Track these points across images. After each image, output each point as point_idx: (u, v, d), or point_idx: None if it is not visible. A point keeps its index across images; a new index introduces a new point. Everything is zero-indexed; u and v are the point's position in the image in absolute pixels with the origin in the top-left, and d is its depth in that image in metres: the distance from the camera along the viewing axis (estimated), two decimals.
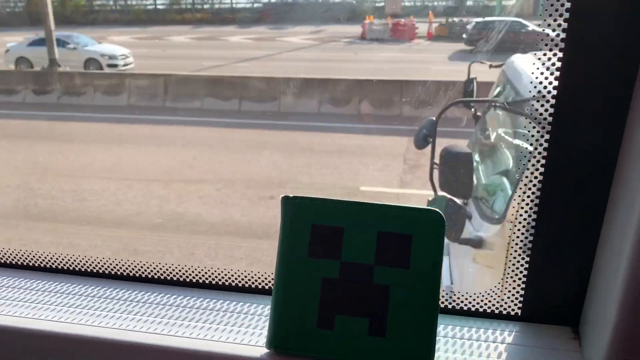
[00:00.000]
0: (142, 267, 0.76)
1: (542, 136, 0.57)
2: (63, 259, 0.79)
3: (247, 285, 0.73)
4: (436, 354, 0.59)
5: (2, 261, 0.81)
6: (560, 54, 0.53)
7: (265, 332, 0.64)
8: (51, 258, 0.79)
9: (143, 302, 0.72)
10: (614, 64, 0.52)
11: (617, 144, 0.55)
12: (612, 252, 0.54)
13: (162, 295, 0.73)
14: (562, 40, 0.53)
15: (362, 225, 0.59)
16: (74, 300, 0.72)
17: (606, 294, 0.55)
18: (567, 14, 0.52)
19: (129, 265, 0.77)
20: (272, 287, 0.68)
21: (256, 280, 0.73)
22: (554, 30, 0.53)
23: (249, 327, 0.66)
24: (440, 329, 0.64)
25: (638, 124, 0.51)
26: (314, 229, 0.60)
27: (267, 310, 0.69)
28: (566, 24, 0.52)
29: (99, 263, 0.78)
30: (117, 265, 0.77)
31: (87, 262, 0.78)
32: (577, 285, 0.62)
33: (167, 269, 0.76)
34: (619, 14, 0.51)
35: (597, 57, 0.53)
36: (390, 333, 0.58)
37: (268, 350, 0.61)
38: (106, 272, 0.78)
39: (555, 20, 0.53)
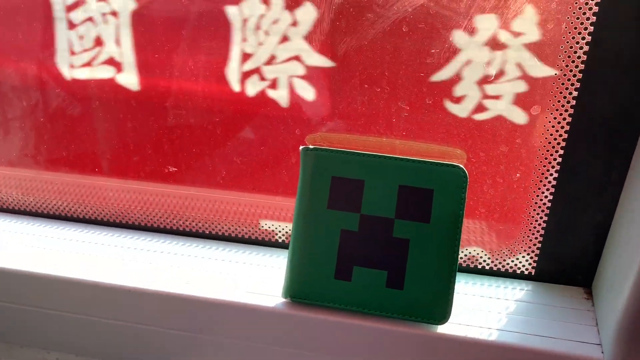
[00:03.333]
0: (158, 216, 0.76)
1: (569, 87, 0.56)
2: (87, 207, 0.78)
3: (263, 238, 0.73)
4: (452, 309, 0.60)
5: None
6: (595, 9, 0.53)
7: (281, 283, 0.64)
8: (74, 206, 0.78)
9: (159, 252, 0.71)
10: None
11: None
12: (632, 213, 0.55)
13: (177, 244, 0.73)
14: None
15: (383, 178, 0.59)
16: (90, 248, 0.72)
17: (622, 255, 0.55)
18: None
19: (147, 215, 0.76)
20: (288, 241, 0.68)
21: (275, 234, 0.73)
22: None
23: (265, 278, 0.66)
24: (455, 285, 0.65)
25: None
26: (334, 181, 0.60)
27: (284, 263, 0.69)
28: None
29: (115, 212, 0.77)
30: (135, 214, 0.77)
31: (102, 210, 0.78)
32: (593, 246, 0.63)
33: (185, 219, 0.75)
34: None
35: (631, 12, 0.52)
36: (408, 286, 0.58)
37: (285, 300, 0.61)
38: (124, 222, 0.77)
39: None
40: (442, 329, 0.58)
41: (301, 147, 0.61)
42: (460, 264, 0.68)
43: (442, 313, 0.57)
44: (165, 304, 0.63)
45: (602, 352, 0.56)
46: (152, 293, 0.63)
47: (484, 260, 0.67)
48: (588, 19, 0.53)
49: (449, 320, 0.58)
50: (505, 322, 0.60)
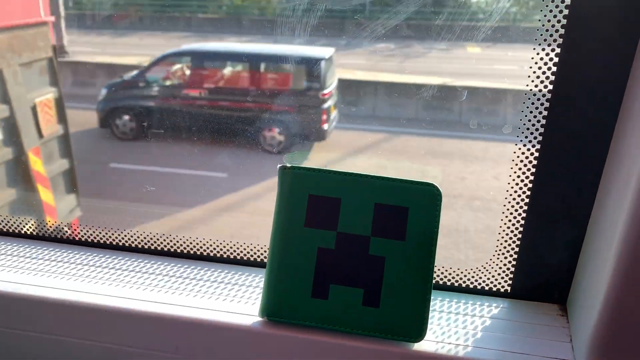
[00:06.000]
0: (137, 237, 0.76)
1: (539, 111, 0.58)
2: (62, 228, 0.77)
3: (242, 257, 0.73)
4: (428, 326, 0.60)
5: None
6: (560, 40, 0.54)
7: (258, 302, 0.64)
8: (56, 228, 0.78)
9: (137, 272, 0.71)
10: (612, 42, 0.53)
11: (614, 119, 0.56)
12: (603, 229, 0.56)
13: (155, 264, 0.73)
14: (563, 26, 0.54)
15: (359, 196, 0.60)
16: (70, 268, 0.71)
17: (595, 271, 0.56)
18: None
19: (126, 236, 0.76)
20: (266, 259, 0.68)
21: (252, 253, 0.73)
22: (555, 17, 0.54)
23: (242, 298, 0.66)
24: (431, 302, 0.65)
25: (634, 98, 0.52)
26: (311, 199, 0.60)
27: (261, 282, 0.69)
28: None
29: (94, 233, 0.77)
30: (112, 235, 0.76)
31: (87, 232, 0.77)
32: (567, 263, 0.63)
33: (163, 240, 0.75)
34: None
35: (596, 37, 0.54)
36: (384, 304, 0.58)
37: (261, 319, 0.61)
38: (101, 241, 0.77)
39: None
40: (417, 346, 0.58)
41: (279, 166, 0.62)
42: (437, 281, 0.68)
43: (417, 331, 0.58)
44: (140, 323, 0.62)
45: None
46: (127, 313, 0.62)
47: (460, 278, 0.67)
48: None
49: (425, 338, 0.58)
50: (480, 339, 0.60)
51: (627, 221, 0.49)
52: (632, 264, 0.50)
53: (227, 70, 2.25)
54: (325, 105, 2.21)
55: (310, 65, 2.18)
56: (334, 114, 2.28)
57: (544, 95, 0.57)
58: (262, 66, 2.24)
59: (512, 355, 0.58)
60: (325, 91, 2.20)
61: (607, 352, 0.54)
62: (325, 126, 2.20)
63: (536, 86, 0.57)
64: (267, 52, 2.32)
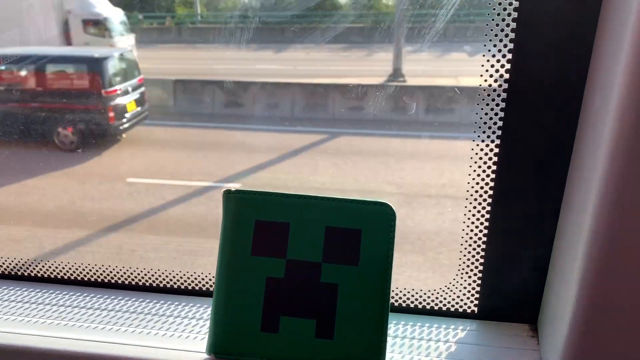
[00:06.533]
0: (70, 267, 0.71)
1: (494, 123, 0.54)
2: None
3: (188, 287, 0.69)
4: (387, 355, 0.56)
5: None
6: (512, 35, 0.51)
7: (206, 336, 0.60)
8: None
9: (72, 307, 0.66)
10: (567, 48, 0.50)
11: (572, 136, 0.53)
12: (568, 246, 0.52)
13: (93, 297, 0.68)
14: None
15: (309, 220, 0.56)
16: None
17: (563, 289, 0.52)
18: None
19: (57, 267, 0.71)
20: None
21: (198, 282, 0.68)
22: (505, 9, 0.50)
23: (190, 332, 0.61)
24: (391, 328, 0.61)
25: (592, 113, 0.48)
26: (258, 225, 0.56)
27: (209, 313, 0.65)
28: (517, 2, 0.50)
29: (22, 265, 0.72)
30: (43, 266, 0.72)
31: (8, 263, 0.73)
32: (535, 281, 0.59)
33: (98, 270, 0.70)
34: None
35: (550, 41, 0.50)
36: (338, 334, 0.54)
37: (208, 356, 0.56)
38: (31, 274, 0.72)
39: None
40: None
41: (223, 190, 0.58)
42: (400, 304, 0.64)
43: None
44: None
45: None
46: (59, 353, 0.58)
47: (424, 300, 0.63)
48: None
49: None
50: None
51: (589, 237, 0.45)
52: (598, 281, 0.46)
53: (20, 73, 2.39)
54: (112, 103, 2.34)
55: (93, 65, 2.36)
56: (134, 111, 2.40)
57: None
58: (49, 67, 2.36)
59: None
60: (110, 89, 2.34)
61: None
62: (115, 123, 2.34)
63: (490, 86, 0.53)
64: (52, 53, 2.45)
